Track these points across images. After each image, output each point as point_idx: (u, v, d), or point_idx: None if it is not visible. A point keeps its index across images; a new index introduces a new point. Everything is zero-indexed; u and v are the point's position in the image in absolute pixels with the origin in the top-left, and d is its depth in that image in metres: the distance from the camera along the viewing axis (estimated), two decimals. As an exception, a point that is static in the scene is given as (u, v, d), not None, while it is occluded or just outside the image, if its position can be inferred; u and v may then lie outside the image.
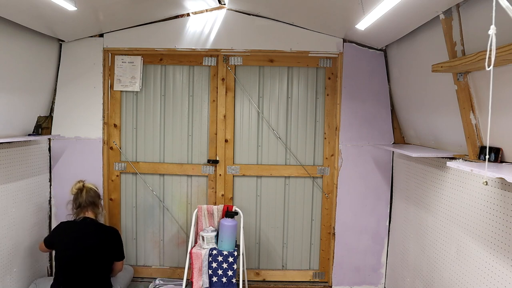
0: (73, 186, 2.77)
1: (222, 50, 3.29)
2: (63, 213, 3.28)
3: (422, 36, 2.45)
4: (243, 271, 3.09)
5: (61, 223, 2.70)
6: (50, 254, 3.28)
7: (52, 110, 3.28)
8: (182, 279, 2.97)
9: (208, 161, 3.41)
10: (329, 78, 3.35)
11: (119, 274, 3.02)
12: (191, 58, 3.35)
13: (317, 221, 3.46)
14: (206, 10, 3.25)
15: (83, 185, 2.76)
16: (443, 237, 2.39)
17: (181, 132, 3.43)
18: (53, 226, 3.28)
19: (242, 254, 3.01)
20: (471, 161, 2.11)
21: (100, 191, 3.32)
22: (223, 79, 3.36)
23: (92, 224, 2.70)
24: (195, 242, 3.09)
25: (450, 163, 2.02)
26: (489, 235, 1.94)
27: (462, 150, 2.29)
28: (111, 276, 2.74)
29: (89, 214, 2.71)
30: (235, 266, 2.85)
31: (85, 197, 2.70)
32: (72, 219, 2.71)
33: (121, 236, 2.78)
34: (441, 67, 1.97)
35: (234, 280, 2.85)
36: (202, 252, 2.88)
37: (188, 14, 3.26)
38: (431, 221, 2.56)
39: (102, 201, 2.90)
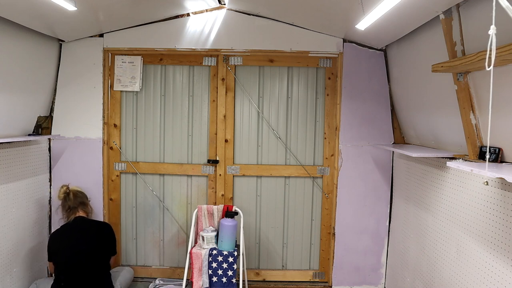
0: (59, 191, 2.84)
1: (222, 50, 3.29)
2: (63, 213, 3.30)
3: (422, 36, 2.45)
4: (243, 271, 3.09)
5: (52, 233, 2.74)
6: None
7: (52, 110, 3.28)
8: (182, 279, 2.97)
9: (208, 161, 3.41)
10: (329, 78, 3.35)
11: (119, 274, 3.02)
12: (191, 58, 3.35)
13: (317, 221, 3.46)
14: (206, 10, 3.25)
15: (69, 189, 2.82)
16: (443, 237, 2.39)
17: (181, 132, 3.43)
18: (53, 225, 3.28)
19: (242, 254, 3.01)
20: (471, 161, 2.11)
21: (100, 191, 3.34)
22: (223, 79, 3.36)
23: (85, 221, 2.74)
24: (195, 242, 3.09)
25: (450, 163, 2.02)
26: (489, 235, 1.94)
27: (462, 150, 2.29)
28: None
29: (80, 214, 2.76)
30: (235, 266, 2.85)
31: (73, 200, 2.77)
32: (64, 223, 2.74)
33: (113, 230, 2.83)
34: (441, 67, 1.97)
35: (234, 280, 2.85)
36: (202, 252, 2.88)
37: (188, 14, 3.26)
38: (431, 221, 2.56)
39: (90, 201, 2.94)
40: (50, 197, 3.31)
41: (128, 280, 3.11)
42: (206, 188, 3.45)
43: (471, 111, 2.05)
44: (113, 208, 3.45)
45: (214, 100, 3.39)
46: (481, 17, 1.82)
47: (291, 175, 3.42)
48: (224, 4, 3.20)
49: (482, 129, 2.05)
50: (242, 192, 3.45)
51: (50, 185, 3.31)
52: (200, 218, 3.08)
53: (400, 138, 3.28)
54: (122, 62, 3.33)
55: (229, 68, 3.35)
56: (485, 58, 1.14)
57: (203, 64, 3.36)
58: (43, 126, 3.21)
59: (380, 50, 3.22)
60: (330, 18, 2.86)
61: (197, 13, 3.25)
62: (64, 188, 2.82)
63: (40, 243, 3.16)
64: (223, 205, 3.06)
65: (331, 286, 3.43)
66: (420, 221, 2.73)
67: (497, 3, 1.10)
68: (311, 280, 3.50)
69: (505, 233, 1.82)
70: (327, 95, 3.36)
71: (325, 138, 3.39)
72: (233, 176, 3.43)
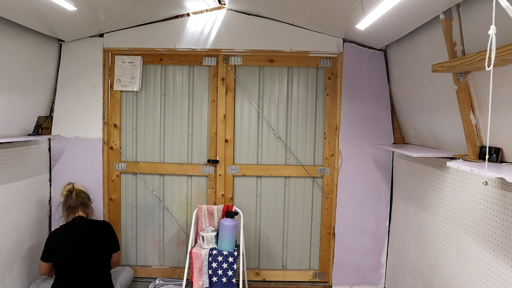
0: (63, 188, 2.83)
1: (222, 50, 3.29)
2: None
3: (422, 36, 2.45)
4: (243, 271, 3.09)
5: (52, 232, 2.71)
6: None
7: (52, 110, 3.28)
8: (182, 279, 2.97)
9: (208, 161, 3.41)
10: (329, 78, 3.35)
11: (120, 274, 3.02)
12: (191, 58, 3.35)
13: (317, 221, 3.46)
14: (206, 10, 3.25)
15: (73, 187, 2.80)
16: (443, 237, 2.39)
17: (181, 132, 3.43)
18: (53, 225, 3.29)
19: (242, 254, 3.01)
20: (471, 161, 2.11)
21: (100, 191, 3.34)
22: (223, 79, 3.36)
23: (84, 221, 2.72)
24: (195, 242, 3.09)
25: (450, 163, 2.02)
26: (489, 235, 1.94)
27: (462, 150, 2.29)
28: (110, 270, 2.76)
29: (80, 214, 2.74)
30: (235, 266, 2.85)
31: (75, 199, 2.74)
32: (64, 222, 2.72)
33: (113, 228, 2.82)
34: (441, 67, 1.97)
35: (234, 280, 2.85)
36: (202, 252, 2.88)
37: (188, 14, 3.26)
38: (431, 221, 2.56)
39: (92, 203, 2.92)
40: (50, 197, 3.31)
41: (128, 281, 3.11)
42: (206, 188, 3.45)
43: (471, 111, 2.05)
44: (113, 208, 3.45)
45: (214, 100, 3.39)
46: (481, 17, 1.82)
47: (291, 175, 3.42)
48: (224, 4, 3.20)
49: (482, 129, 2.05)
50: (242, 192, 3.45)
51: (50, 185, 3.31)
52: (200, 218, 3.08)
53: (400, 138, 3.28)
54: (122, 62, 3.33)
55: (229, 68, 3.35)
56: (485, 58, 1.14)
57: (203, 64, 3.36)
58: (43, 126, 3.21)
59: (380, 50, 3.22)
60: (330, 18, 2.86)
61: (197, 13, 3.26)
62: (70, 186, 2.81)
63: (40, 243, 3.15)
64: (223, 205, 3.06)
65: (331, 286, 3.43)
66: (420, 221, 2.73)
67: (497, 3, 1.10)
68: (311, 280, 3.50)
69: (505, 233, 1.82)
70: (327, 95, 3.36)
71: (325, 138, 3.39)
72: (233, 176, 3.43)
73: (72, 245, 2.58)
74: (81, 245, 2.59)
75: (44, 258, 2.64)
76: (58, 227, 2.72)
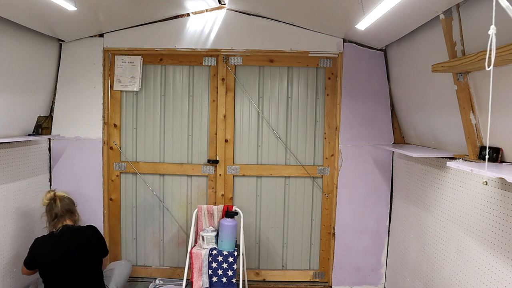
0: (44, 197, 2.60)
1: (222, 50, 3.29)
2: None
3: (422, 36, 2.45)
4: (243, 271, 3.09)
5: (37, 239, 2.47)
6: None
7: (52, 110, 3.29)
8: (182, 279, 2.97)
9: (208, 161, 3.41)
10: (329, 78, 3.35)
11: (115, 272, 2.92)
12: (191, 58, 3.35)
13: (317, 221, 3.46)
14: (206, 10, 3.25)
15: (55, 194, 2.59)
16: (443, 237, 2.39)
17: (181, 132, 3.43)
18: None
19: (242, 254, 3.01)
20: (471, 161, 2.11)
21: (100, 191, 3.34)
22: (223, 79, 3.36)
23: (71, 231, 2.51)
24: (195, 242, 3.09)
25: (450, 163, 2.02)
26: (489, 235, 1.94)
27: (462, 150, 2.29)
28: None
29: (67, 223, 2.54)
30: (235, 266, 2.85)
31: (60, 206, 2.53)
32: (48, 232, 2.51)
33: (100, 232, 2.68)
34: (441, 67, 1.97)
35: (234, 280, 2.85)
36: (202, 252, 2.88)
37: (188, 14, 3.26)
38: (431, 221, 2.56)
39: (77, 207, 2.70)
40: (50, 197, 3.30)
41: (125, 276, 2.95)
42: (206, 188, 3.45)
43: (471, 111, 2.05)
44: (113, 208, 3.45)
45: (214, 100, 3.39)
46: (481, 17, 1.83)
47: (291, 175, 3.42)
48: (224, 4, 3.20)
49: (482, 129, 2.05)
50: (242, 192, 3.45)
51: (50, 185, 3.31)
52: (200, 218, 3.08)
53: (400, 138, 3.28)
54: (122, 62, 3.33)
55: (229, 68, 3.35)
56: (485, 58, 1.14)
57: (203, 64, 3.36)
58: (43, 126, 3.21)
59: (380, 50, 3.22)
60: (330, 18, 2.86)
61: (197, 13, 3.26)
62: (51, 193, 2.58)
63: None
64: (223, 205, 3.07)
65: (331, 286, 3.43)
66: (420, 221, 2.73)
67: (497, 3, 1.10)
68: (311, 280, 3.50)
69: (505, 233, 1.82)
70: (327, 95, 3.36)
71: (325, 138, 3.39)
72: (233, 176, 3.43)
73: (61, 258, 2.40)
74: (71, 254, 2.43)
75: (28, 265, 2.46)
76: (43, 235, 2.50)
